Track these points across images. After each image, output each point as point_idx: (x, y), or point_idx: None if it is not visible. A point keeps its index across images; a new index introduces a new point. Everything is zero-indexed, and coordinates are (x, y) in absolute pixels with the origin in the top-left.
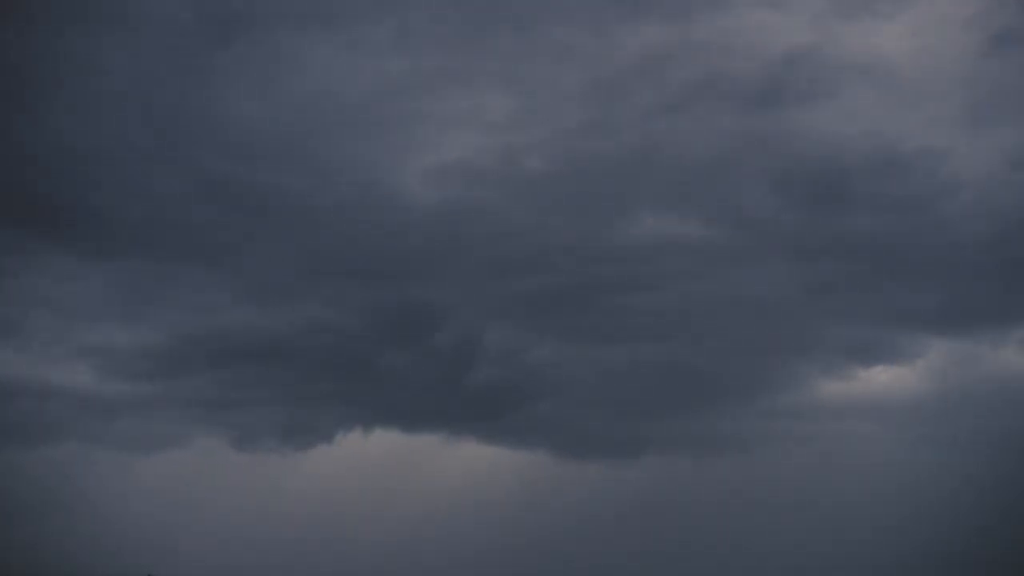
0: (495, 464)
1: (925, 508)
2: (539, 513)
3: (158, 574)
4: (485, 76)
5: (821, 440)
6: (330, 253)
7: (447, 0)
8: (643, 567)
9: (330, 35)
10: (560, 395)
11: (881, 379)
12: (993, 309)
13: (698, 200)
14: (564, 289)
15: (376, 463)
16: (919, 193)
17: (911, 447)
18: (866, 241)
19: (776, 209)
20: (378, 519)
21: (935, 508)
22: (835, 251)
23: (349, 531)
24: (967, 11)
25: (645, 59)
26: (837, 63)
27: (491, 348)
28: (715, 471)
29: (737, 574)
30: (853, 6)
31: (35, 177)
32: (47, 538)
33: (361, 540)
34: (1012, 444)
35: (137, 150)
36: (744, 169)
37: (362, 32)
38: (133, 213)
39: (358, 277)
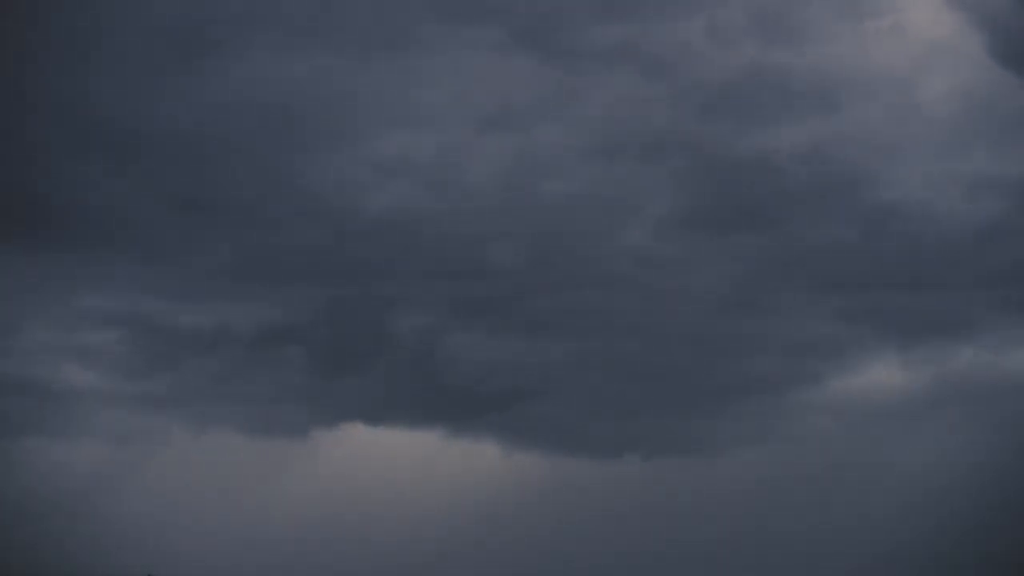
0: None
1: (916, 507)
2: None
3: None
4: (431, 74)
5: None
6: (285, 253)
7: None
8: (640, 567)
9: (274, 35)
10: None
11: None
12: (956, 317)
13: (654, 201)
14: (517, 290)
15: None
16: (876, 207)
17: (891, 446)
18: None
19: (739, 212)
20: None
21: (927, 507)
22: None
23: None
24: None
25: (600, 58)
26: (797, 77)
27: (449, 348)
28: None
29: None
30: (817, 20)
31: None
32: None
33: (353, 538)
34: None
35: (86, 150)
36: (700, 172)
37: (306, 31)
38: (79, 209)
39: (306, 278)
